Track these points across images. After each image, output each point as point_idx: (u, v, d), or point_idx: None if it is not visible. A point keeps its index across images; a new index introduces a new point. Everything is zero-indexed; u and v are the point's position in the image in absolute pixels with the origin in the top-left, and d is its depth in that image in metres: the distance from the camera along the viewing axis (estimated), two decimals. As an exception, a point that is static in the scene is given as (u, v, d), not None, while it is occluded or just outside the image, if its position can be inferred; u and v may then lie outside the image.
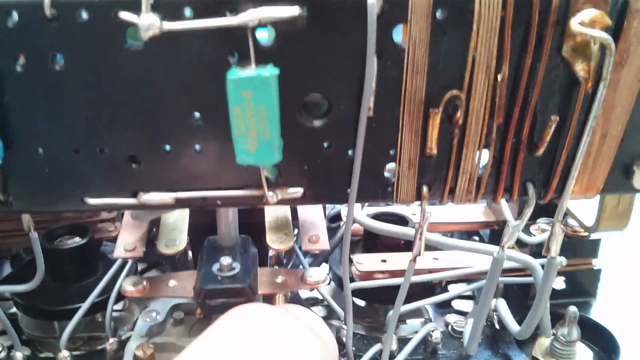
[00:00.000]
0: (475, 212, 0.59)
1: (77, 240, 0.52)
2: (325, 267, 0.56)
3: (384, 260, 0.50)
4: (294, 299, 0.55)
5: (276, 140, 0.33)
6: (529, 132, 0.35)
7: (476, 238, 0.60)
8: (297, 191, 0.36)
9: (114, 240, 0.57)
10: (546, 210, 0.50)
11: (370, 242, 0.54)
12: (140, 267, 0.59)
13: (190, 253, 0.56)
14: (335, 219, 0.62)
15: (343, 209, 0.62)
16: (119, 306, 0.56)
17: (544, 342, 0.48)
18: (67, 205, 0.37)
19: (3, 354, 0.48)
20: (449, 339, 0.49)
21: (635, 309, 0.53)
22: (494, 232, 0.58)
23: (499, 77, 0.33)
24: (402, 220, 0.54)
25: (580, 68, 0.34)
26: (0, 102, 0.33)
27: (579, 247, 0.51)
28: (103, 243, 0.58)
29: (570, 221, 0.50)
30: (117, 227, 0.57)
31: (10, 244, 0.57)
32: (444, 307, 0.55)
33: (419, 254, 0.39)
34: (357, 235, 0.56)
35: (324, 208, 0.51)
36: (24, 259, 0.59)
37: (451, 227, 0.59)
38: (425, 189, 0.37)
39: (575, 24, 0.32)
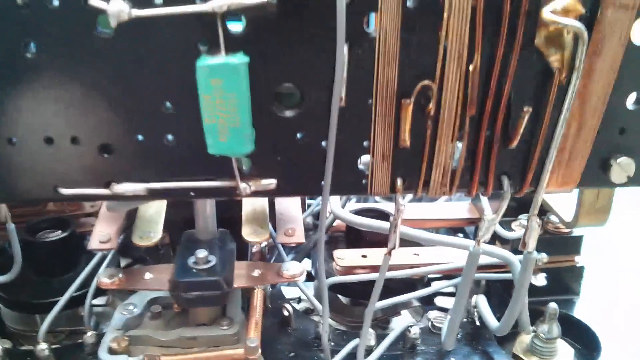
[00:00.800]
0: (460, 209, 0.58)
1: (58, 234, 0.52)
2: (306, 262, 0.56)
3: (364, 256, 0.50)
4: (276, 295, 0.54)
5: (247, 129, 0.32)
6: (503, 124, 0.35)
7: (461, 235, 0.60)
8: (270, 183, 0.36)
9: (97, 234, 0.57)
10: (528, 205, 0.49)
11: (353, 237, 0.53)
12: (124, 262, 0.59)
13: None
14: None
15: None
16: (102, 301, 0.56)
17: (524, 339, 0.47)
18: (40, 195, 0.37)
19: (-16, 347, 0.48)
20: (428, 335, 0.49)
21: (617, 306, 0.52)
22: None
23: (471, 68, 0.33)
24: (384, 216, 0.54)
25: (553, 58, 0.33)
26: (-27, 89, 0.33)
27: (561, 243, 0.51)
28: (86, 237, 0.57)
29: (553, 217, 0.50)
30: (101, 221, 0.56)
31: (-5, 237, 0.57)
32: (427, 304, 0.54)
33: (394, 247, 0.38)
34: (339, 231, 0.56)
35: (304, 202, 0.51)
36: (7, 252, 0.59)
37: (436, 223, 0.58)
38: (399, 181, 0.36)
39: (547, 12, 0.31)
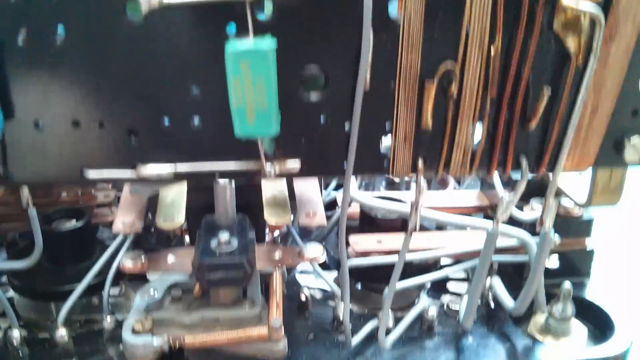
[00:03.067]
0: (469, 196, 0.59)
1: (73, 223, 0.52)
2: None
3: (379, 241, 0.50)
4: (292, 283, 0.55)
5: (274, 112, 0.33)
6: (522, 105, 0.36)
7: (471, 221, 0.61)
8: (295, 164, 0.37)
9: (111, 225, 0.57)
10: (539, 189, 0.50)
11: (367, 224, 0.54)
12: (137, 252, 0.59)
13: (187, 238, 0.56)
14: (330, 205, 0.62)
15: (339, 194, 0.62)
16: (115, 291, 0.56)
17: (539, 319, 0.48)
18: (66, 178, 0.37)
19: (0, 334, 0.48)
20: (444, 317, 0.50)
21: (628, 287, 0.53)
22: (488, 217, 0.59)
23: (492, 51, 0.34)
24: (397, 204, 0.55)
25: (571, 42, 0.34)
26: (2, 74, 0.33)
27: (573, 226, 0.52)
28: (100, 229, 0.58)
29: (564, 202, 0.51)
30: (114, 211, 0.57)
31: (6, 229, 0.57)
32: (440, 289, 0.55)
33: (415, 228, 0.39)
34: (352, 218, 0.57)
35: (321, 189, 0.52)
36: (19, 245, 0.59)
37: (445, 211, 0.59)
38: (420, 162, 0.37)
39: (565, -2, 0.32)
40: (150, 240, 0.60)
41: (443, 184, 0.73)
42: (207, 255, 0.40)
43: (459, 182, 0.70)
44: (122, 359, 0.44)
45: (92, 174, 0.36)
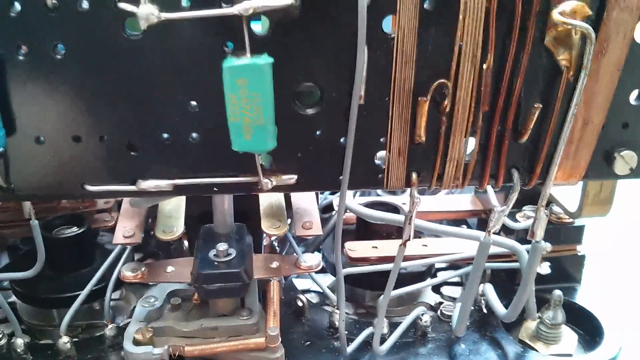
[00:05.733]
0: (463, 201, 0.60)
1: (74, 230, 0.53)
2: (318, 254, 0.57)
3: (375, 247, 0.51)
4: (288, 287, 0.56)
5: (270, 127, 0.34)
6: (514, 119, 0.37)
7: (464, 227, 0.62)
8: (291, 178, 0.38)
9: (111, 230, 0.58)
10: (532, 197, 0.51)
11: (362, 231, 0.55)
12: (136, 257, 0.60)
13: (186, 243, 0.57)
14: (327, 209, 0.63)
15: (335, 199, 0.63)
16: (116, 295, 0.57)
17: (530, 325, 0.49)
18: (67, 192, 0.38)
19: (3, 341, 0.49)
20: (438, 323, 0.51)
21: (618, 293, 0.54)
22: (482, 221, 0.60)
23: (485, 66, 0.35)
24: (393, 210, 0.55)
25: (562, 57, 0.35)
26: (3, 90, 0.34)
27: (564, 233, 0.53)
28: (100, 233, 0.59)
29: (555, 208, 0.52)
30: (114, 217, 0.58)
31: (7, 235, 0.58)
32: (435, 293, 0.56)
33: (409, 239, 0.40)
34: (347, 224, 0.58)
35: (317, 197, 0.53)
36: (21, 249, 0.59)
37: (440, 215, 0.60)
38: (414, 175, 0.38)
39: (556, 14, 0.33)
40: (151, 243, 0.61)
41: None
42: (205, 265, 0.41)
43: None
44: (123, 365, 0.45)
45: (93, 188, 0.37)
